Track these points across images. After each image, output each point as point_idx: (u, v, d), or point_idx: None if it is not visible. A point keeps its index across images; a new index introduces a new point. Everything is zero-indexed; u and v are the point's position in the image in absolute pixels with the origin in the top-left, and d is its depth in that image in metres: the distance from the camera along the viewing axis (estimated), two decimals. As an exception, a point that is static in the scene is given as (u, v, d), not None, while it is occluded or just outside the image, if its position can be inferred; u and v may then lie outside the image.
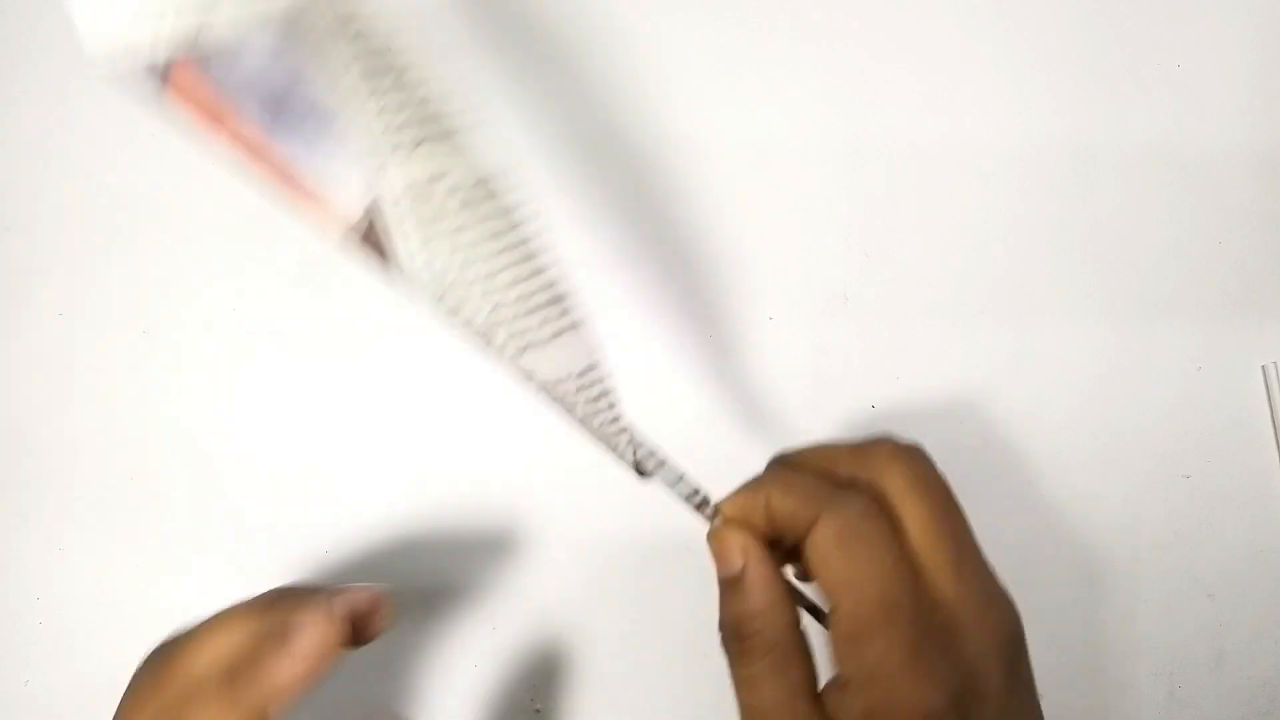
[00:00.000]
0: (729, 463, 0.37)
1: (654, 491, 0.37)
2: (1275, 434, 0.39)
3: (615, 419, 0.25)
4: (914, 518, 0.27)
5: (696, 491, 0.28)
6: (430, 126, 0.18)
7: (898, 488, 0.27)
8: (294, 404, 0.36)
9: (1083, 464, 0.38)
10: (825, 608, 0.27)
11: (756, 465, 0.37)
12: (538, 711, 0.35)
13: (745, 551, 0.28)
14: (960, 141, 0.39)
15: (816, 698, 0.26)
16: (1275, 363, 0.39)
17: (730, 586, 0.28)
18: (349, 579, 0.35)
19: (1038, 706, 0.28)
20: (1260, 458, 0.39)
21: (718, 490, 0.29)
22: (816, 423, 0.37)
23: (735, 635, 0.28)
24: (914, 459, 0.28)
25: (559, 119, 0.38)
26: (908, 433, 0.37)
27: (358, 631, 0.27)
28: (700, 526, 0.29)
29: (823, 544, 0.26)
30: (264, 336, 0.36)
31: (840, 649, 0.26)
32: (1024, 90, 0.40)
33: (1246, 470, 0.39)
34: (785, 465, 0.30)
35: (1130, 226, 0.40)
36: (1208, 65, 0.41)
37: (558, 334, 0.21)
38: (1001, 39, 0.40)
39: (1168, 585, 0.38)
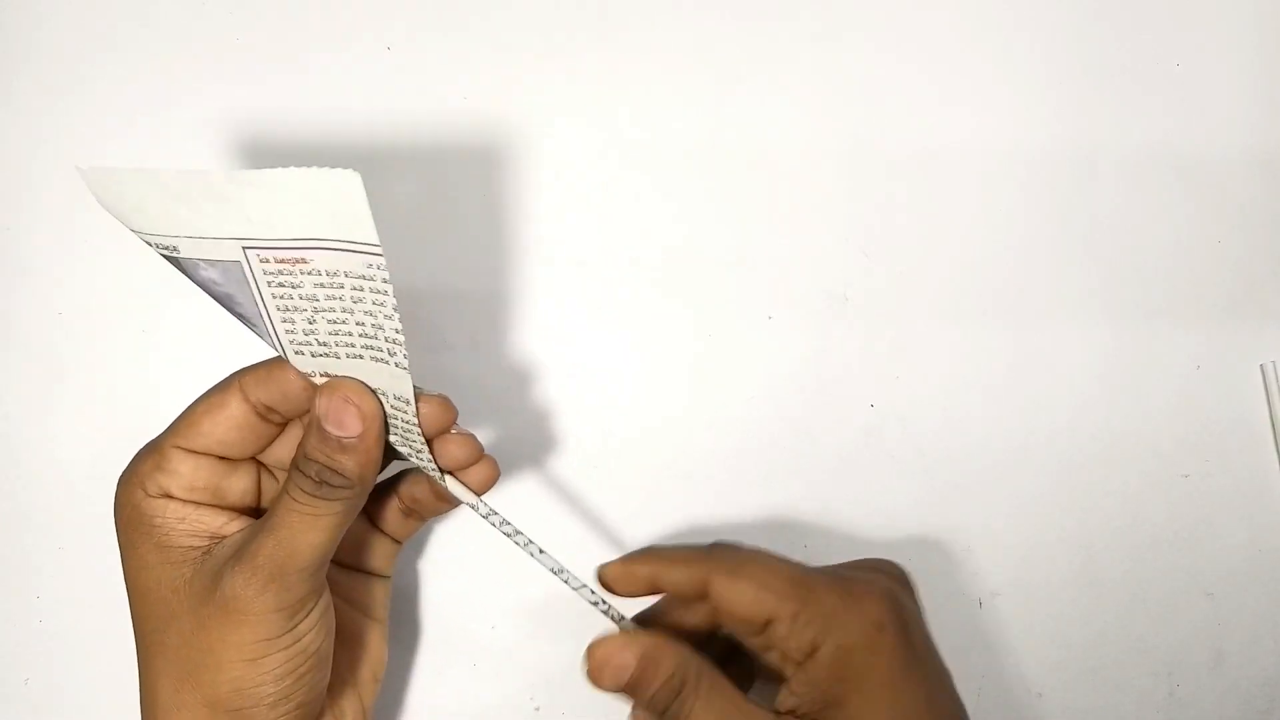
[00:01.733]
0: (729, 462, 0.37)
1: (653, 492, 0.37)
2: (1274, 434, 0.39)
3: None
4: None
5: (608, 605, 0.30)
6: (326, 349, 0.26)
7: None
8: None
9: (1083, 464, 0.38)
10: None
11: (756, 465, 0.37)
12: (537, 711, 0.35)
13: (628, 645, 0.28)
14: (960, 141, 0.39)
15: (745, 699, 0.28)
16: (1274, 362, 0.39)
17: (636, 683, 0.28)
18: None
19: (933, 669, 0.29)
20: (1259, 458, 0.39)
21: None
22: (817, 423, 0.37)
23: (666, 706, 0.28)
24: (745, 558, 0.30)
25: (559, 119, 0.38)
26: (909, 432, 0.38)
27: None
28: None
29: (724, 590, 0.28)
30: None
31: (788, 633, 0.27)
32: (1024, 90, 0.40)
33: (1246, 470, 0.39)
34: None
35: (1130, 227, 0.40)
36: (1208, 65, 0.41)
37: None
38: (1002, 39, 0.40)
39: (1167, 585, 0.38)
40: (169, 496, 0.27)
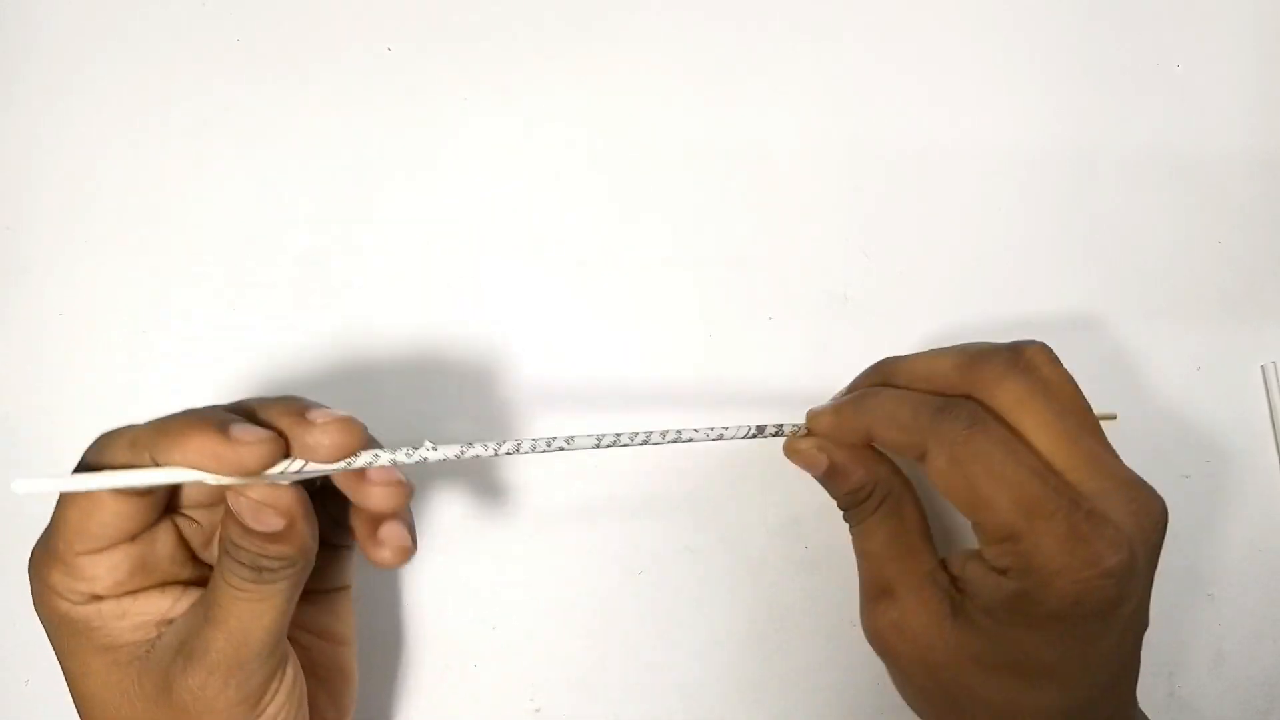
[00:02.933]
0: (729, 463, 0.37)
1: (653, 493, 0.37)
2: (1275, 434, 0.39)
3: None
4: (1033, 426, 0.27)
5: (779, 426, 0.31)
6: None
7: (1010, 400, 0.27)
8: (294, 404, 0.36)
9: (1082, 464, 0.38)
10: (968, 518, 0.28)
11: (755, 465, 0.37)
12: (538, 711, 0.35)
13: (823, 449, 0.30)
14: (960, 141, 0.39)
15: (928, 535, 0.29)
16: (1275, 363, 0.39)
17: (828, 479, 0.31)
18: (349, 579, 0.35)
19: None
20: (1260, 458, 0.39)
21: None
22: (816, 423, 0.37)
23: (849, 505, 0.31)
24: (1024, 369, 0.28)
25: (559, 118, 0.38)
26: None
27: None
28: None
29: (938, 476, 0.27)
30: (263, 336, 0.36)
31: (991, 551, 0.27)
32: (1024, 90, 0.40)
33: (1246, 470, 0.39)
34: (888, 381, 0.31)
35: (1130, 227, 0.40)
36: (1208, 66, 0.41)
37: None
38: (1002, 39, 0.40)
39: (1167, 585, 0.38)
40: (98, 598, 0.25)
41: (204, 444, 0.23)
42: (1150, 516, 0.27)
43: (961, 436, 0.26)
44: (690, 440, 0.29)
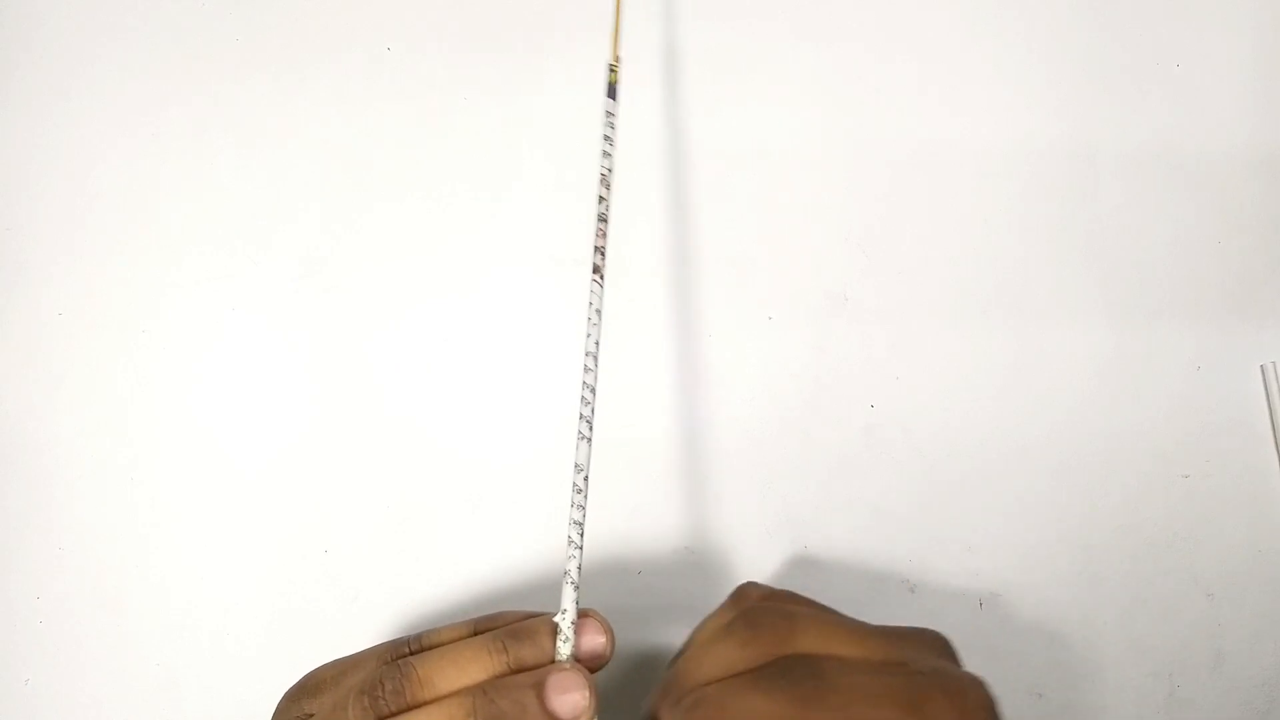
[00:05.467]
0: (729, 462, 0.37)
1: (656, 497, 0.37)
2: (1274, 434, 0.39)
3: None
4: (844, 648, 0.27)
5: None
6: None
7: (816, 644, 0.27)
8: (294, 403, 0.36)
9: (1083, 464, 0.38)
10: None
11: (756, 465, 0.37)
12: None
13: None
14: (960, 141, 0.39)
15: None
16: (1274, 363, 0.39)
17: None
18: (347, 579, 0.35)
19: None
20: (1259, 458, 0.39)
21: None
22: (817, 423, 0.37)
23: None
24: (781, 615, 0.27)
25: (559, 118, 0.38)
26: (909, 432, 0.38)
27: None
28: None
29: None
30: (263, 336, 0.36)
31: None
32: (1024, 90, 0.40)
33: (1245, 470, 0.39)
34: (696, 695, 0.27)
35: (1130, 226, 0.40)
36: (1208, 65, 0.41)
37: None
38: (1001, 39, 0.40)
39: (1167, 585, 0.38)
40: None
41: None
42: (942, 641, 0.28)
43: (826, 690, 0.25)
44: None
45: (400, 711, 0.25)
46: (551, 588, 0.36)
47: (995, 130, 0.39)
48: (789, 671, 0.26)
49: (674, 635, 0.36)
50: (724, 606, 0.28)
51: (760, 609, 0.28)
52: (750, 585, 0.29)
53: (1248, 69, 0.41)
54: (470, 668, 0.26)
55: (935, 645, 0.28)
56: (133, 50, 0.38)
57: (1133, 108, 0.40)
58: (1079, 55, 0.40)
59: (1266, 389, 0.39)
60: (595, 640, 0.27)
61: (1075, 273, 0.39)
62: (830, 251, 0.38)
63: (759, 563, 0.36)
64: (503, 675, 0.26)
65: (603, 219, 0.29)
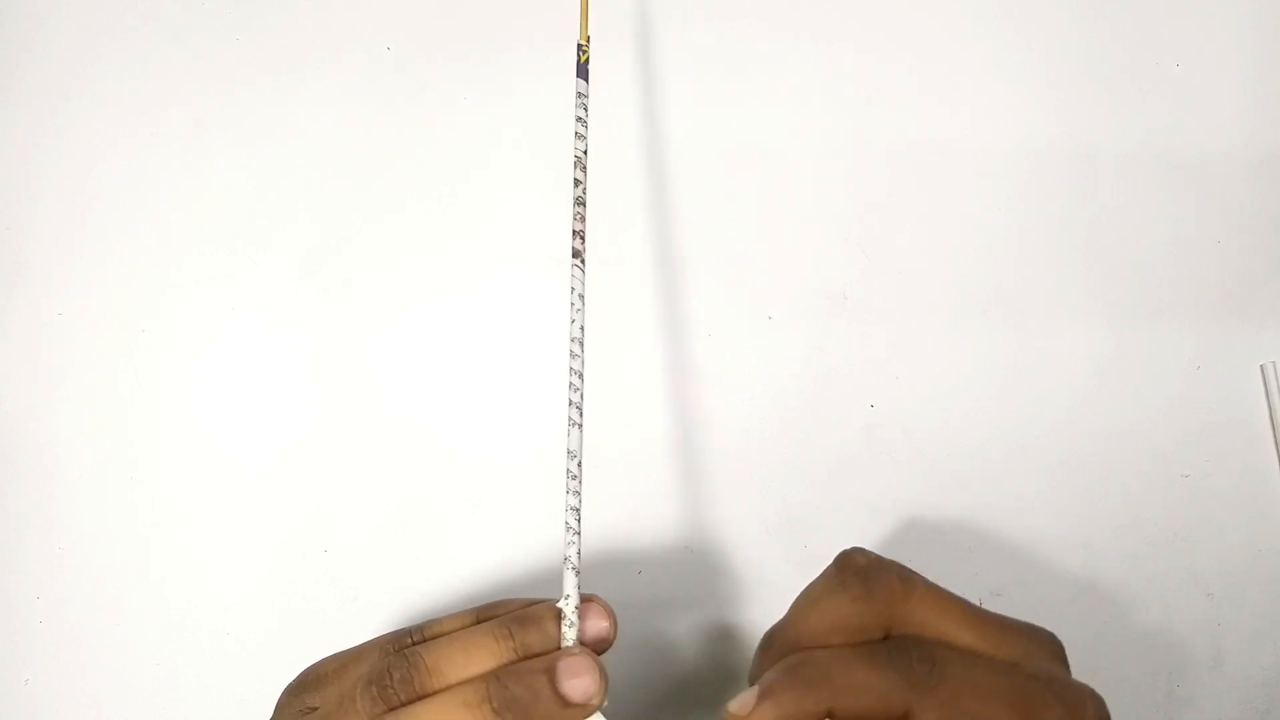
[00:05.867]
0: (729, 462, 0.37)
1: (656, 497, 0.37)
2: (1274, 434, 0.39)
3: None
4: (952, 628, 0.26)
5: None
6: None
7: (926, 613, 0.26)
8: (294, 403, 0.36)
9: (1083, 464, 0.38)
10: None
11: (756, 465, 0.37)
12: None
13: None
14: (960, 141, 0.39)
15: None
16: (1274, 362, 0.39)
17: None
18: (347, 579, 0.35)
19: None
20: (1259, 457, 0.39)
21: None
22: (817, 423, 0.37)
23: None
24: (911, 582, 0.27)
25: (559, 119, 0.38)
26: (909, 432, 0.38)
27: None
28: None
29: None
30: (263, 336, 0.36)
31: None
32: (1024, 90, 0.40)
33: (1245, 470, 0.39)
34: (801, 655, 0.26)
35: (1130, 226, 0.40)
36: (1208, 65, 0.41)
37: None
38: (1001, 39, 0.40)
39: (1166, 584, 0.38)
40: None
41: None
42: (1056, 645, 0.28)
43: (937, 679, 0.24)
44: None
45: (410, 700, 0.25)
46: (552, 585, 0.36)
47: (995, 130, 0.39)
48: (903, 652, 0.25)
49: (674, 634, 0.36)
50: (828, 571, 0.28)
51: (876, 566, 0.27)
52: (856, 550, 0.28)
53: (1248, 69, 0.41)
54: (478, 655, 0.26)
55: (1050, 648, 0.28)
56: (133, 50, 0.38)
57: (1133, 108, 0.40)
58: (1079, 55, 0.40)
59: (1266, 389, 0.39)
60: (599, 624, 0.27)
61: (1075, 273, 0.39)
62: (830, 251, 0.38)
63: (759, 562, 0.36)
64: (511, 662, 0.26)
65: (580, 203, 0.29)
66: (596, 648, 0.27)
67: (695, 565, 0.36)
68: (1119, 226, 0.40)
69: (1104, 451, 0.38)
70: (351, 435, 0.36)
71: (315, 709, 0.26)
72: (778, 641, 0.27)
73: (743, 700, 0.25)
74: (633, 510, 0.36)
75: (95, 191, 0.37)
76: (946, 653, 0.25)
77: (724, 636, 0.36)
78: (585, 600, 0.27)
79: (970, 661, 0.25)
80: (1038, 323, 0.39)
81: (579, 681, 0.25)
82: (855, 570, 0.27)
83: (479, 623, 0.27)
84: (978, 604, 0.27)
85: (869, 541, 0.37)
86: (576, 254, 0.29)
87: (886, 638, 0.26)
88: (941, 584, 0.37)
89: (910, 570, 0.28)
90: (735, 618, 0.36)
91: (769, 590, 0.36)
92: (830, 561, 0.28)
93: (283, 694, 0.27)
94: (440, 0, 0.38)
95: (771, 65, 0.39)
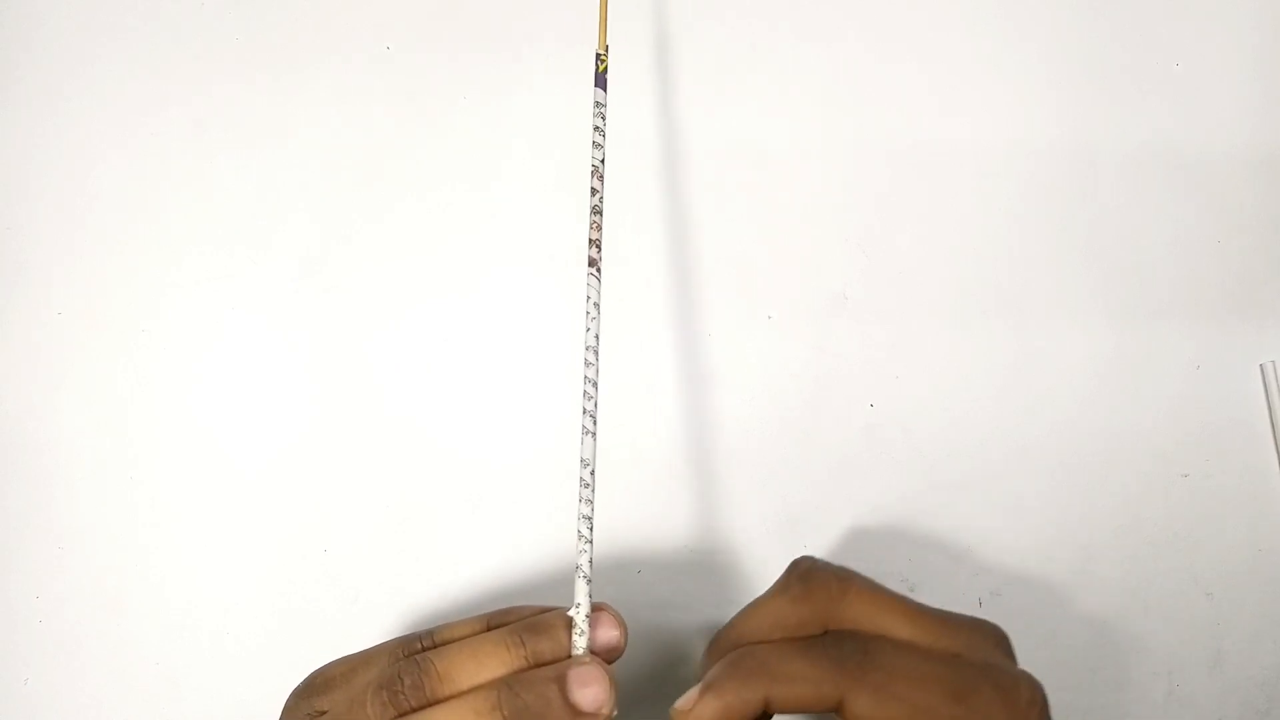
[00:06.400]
0: (729, 462, 0.37)
1: (656, 497, 0.37)
2: (1274, 434, 0.39)
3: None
4: (892, 622, 0.27)
5: None
6: None
7: (862, 608, 0.27)
8: (294, 403, 0.36)
9: (1083, 464, 0.38)
10: None
11: (756, 465, 0.37)
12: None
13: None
14: (960, 141, 0.39)
15: None
16: (1274, 362, 0.39)
17: None
18: (348, 579, 0.35)
19: None
20: (1259, 457, 0.39)
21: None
22: (817, 423, 0.37)
23: None
24: (847, 577, 0.28)
25: (558, 118, 0.38)
26: (909, 432, 0.38)
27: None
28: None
29: (867, 715, 0.25)
30: (263, 335, 0.36)
31: None
32: (1024, 90, 0.40)
33: (1245, 470, 0.39)
34: (741, 650, 0.27)
35: (1130, 226, 0.40)
36: (1208, 65, 0.41)
37: None
38: (1002, 39, 0.40)
39: (1166, 584, 0.38)
40: None
41: None
42: (999, 635, 0.28)
43: (870, 666, 0.26)
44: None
45: (421, 706, 0.25)
46: (552, 586, 0.36)
47: (995, 130, 0.39)
48: (837, 643, 0.26)
49: (674, 634, 0.36)
50: (779, 579, 0.29)
51: (816, 569, 0.28)
52: (803, 557, 0.29)
53: (1248, 69, 0.41)
54: (490, 662, 0.26)
55: (993, 638, 0.28)
56: (133, 50, 0.38)
57: (1133, 108, 0.40)
58: (1079, 55, 0.40)
59: (1266, 389, 0.39)
60: (610, 634, 0.27)
61: (1075, 273, 0.39)
62: (830, 251, 0.38)
63: (759, 562, 0.36)
64: (522, 670, 0.26)
65: (597, 211, 0.29)
66: (607, 657, 0.27)
67: (695, 565, 0.36)
68: (1119, 226, 0.40)
69: (1104, 451, 0.38)
70: (351, 435, 0.36)
71: (324, 713, 0.26)
72: (722, 641, 0.29)
73: (688, 696, 0.26)
74: (633, 510, 0.36)
75: (95, 191, 0.37)
76: (881, 643, 0.26)
77: (724, 636, 0.36)
78: (596, 609, 0.27)
79: (904, 650, 0.26)
80: (1038, 323, 0.39)
81: (589, 691, 0.25)
82: (797, 574, 0.28)
83: (489, 629, 0.27)
84: (926, 602, 0.28)
85: (869, 541, 0.37)
86: (593, 263, 0.29)
87: (826, 634, 0.27)
88: (941, 584, 0.37)
89: (850, 571, 0.28)
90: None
91: (769, 590, 0.36)
92: (784, 571, 0.29)
93: (290, 697, 0.27)
94: (440, 0, 0.38)
95: (771, 65, 0.39)
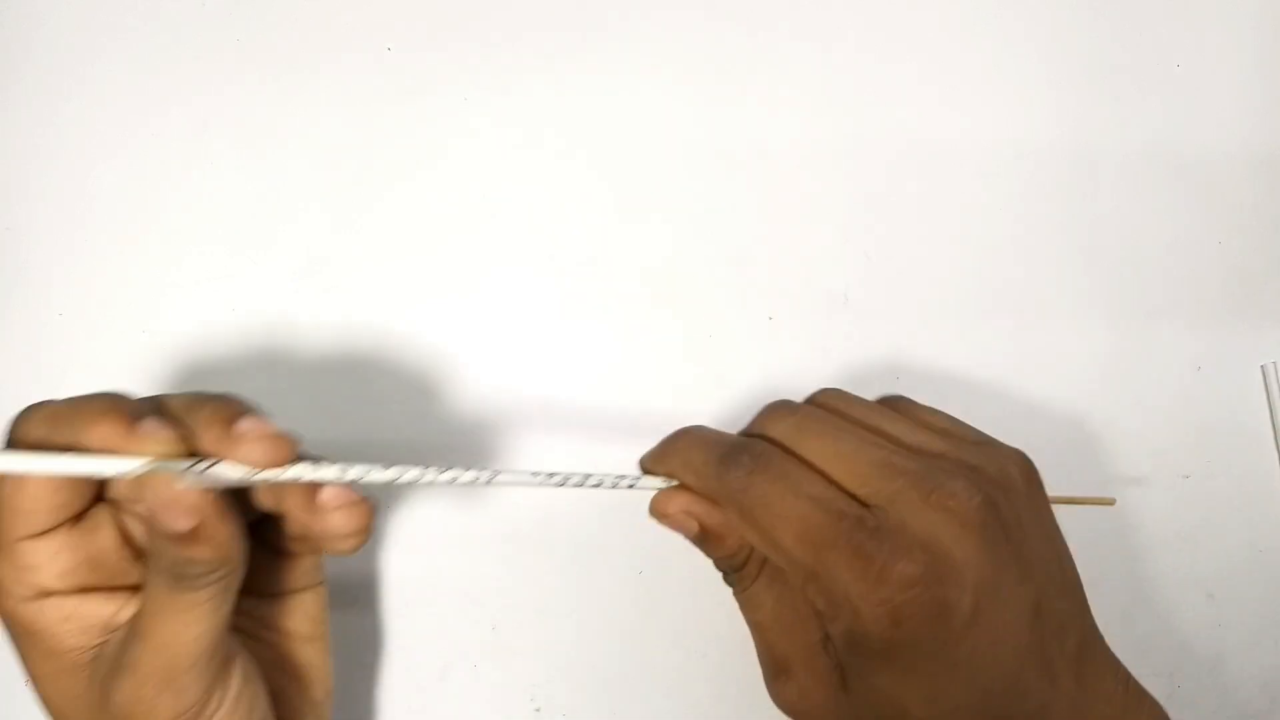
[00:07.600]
0: (729, 463, 0.37)
1: (653, 492, 0.37)
2: (1275, 434, 0.39)
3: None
4: (815, 450, 0.26)
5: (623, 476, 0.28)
6: None
7: (787, 430, 0.27)
8: (294, 403, 0.36)
9: (1083, 464, 0.38)
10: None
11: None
12: (538, 711, 0.35)
13: (691, 512, 0.27)
14: (960, 141, 0.39)
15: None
16: (1275, 363, 0.39)
17: (700, 544, 0.28)
18: (346, 579, 0.35)
19: (1051, 542, 0.28)
20: (1260, 458, 0.39)
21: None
22: (816, 423, 0.37)
23: (728, 569, 0.29)
24: (802, 404, 0.29)
25: (559, 118, 0.38)
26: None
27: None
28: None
29: (740, 528, 0.26)
30: (263, 337, 0.36)
31: (807, 596, 0.26)
32: (1024, 90, 0.40)
33: (1246, 470, 0.39)
34: (675, 432, 0.30)
35: (1130, 227, 0.40)
36: (1208, 65, 0.41)
37: None
38: (1002, 39, 0.40)
39: (1167, 585, 0.38)
40: (44, 594, 0.23)
41: (110, 433, 0.23)
42: (993, 482, 0.26)
43: (742, 483, 0.25)
44: (563, 485, 0.28)
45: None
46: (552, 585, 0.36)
47: (995, 130, 0.39)
48: (746, 447, 0.27)
49: (674, 634, 0.36)
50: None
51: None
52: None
53: (1248, 69, 0.41)
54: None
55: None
56: (133, 50, 0.38)
57: (1133, 108, 0.40)
58: (1079, 55, 0.40)
59: (1267, 389, 0.39)
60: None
61: (1075, 272, 0.39)
62: (830, 251, 0.38)
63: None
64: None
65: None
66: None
67: (695, 565, 0.36)
68: (1119, 227, 0.40)
69: (1104, 451, 0.38)
70: (351, 435, 0.36)
71: None
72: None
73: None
74: (633, 510, 0.36)
75: (95, 191, 0.37)
76: (774, 464, 0.26)
77: (724, 637, 0.36)
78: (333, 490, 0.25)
79: (789, 481, 0.26)
80: (1038, 323, 0.39)
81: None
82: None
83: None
84: None
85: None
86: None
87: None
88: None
89: (818, 404, 0.30)
90: (735, 618, 0.36)
91: (769, 590, 0.36)
92: None
93: None
94: (440, 0, 0.38)
95: (771, 65, 0.39)
